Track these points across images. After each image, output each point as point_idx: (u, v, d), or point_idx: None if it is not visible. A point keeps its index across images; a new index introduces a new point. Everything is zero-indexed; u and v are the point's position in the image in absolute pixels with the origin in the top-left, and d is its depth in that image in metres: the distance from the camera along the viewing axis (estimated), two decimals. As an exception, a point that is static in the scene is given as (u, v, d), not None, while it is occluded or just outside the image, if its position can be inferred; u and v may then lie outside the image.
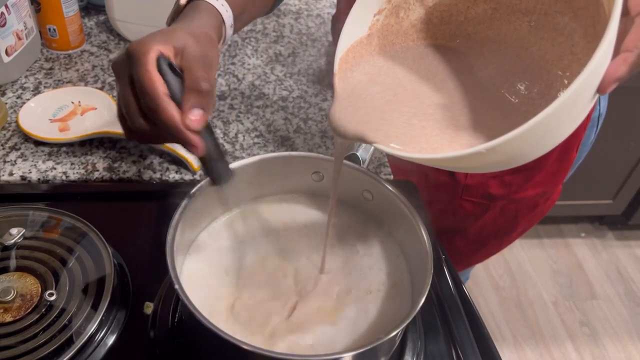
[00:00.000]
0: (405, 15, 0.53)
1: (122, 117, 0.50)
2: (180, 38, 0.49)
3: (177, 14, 0.57)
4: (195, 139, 0.47)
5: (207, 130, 0.49)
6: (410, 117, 0.46)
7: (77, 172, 0.70)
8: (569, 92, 0.35)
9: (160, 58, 0.46)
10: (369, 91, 0.49)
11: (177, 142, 0.48)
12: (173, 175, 0.71)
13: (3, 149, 0.72)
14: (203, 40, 0.50)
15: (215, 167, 0.51)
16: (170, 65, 0.47)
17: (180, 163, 0.72)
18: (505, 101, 0.48)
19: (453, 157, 0.40)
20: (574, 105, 0.37)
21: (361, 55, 0.52)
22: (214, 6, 0.57)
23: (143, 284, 0.57)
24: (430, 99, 0.48)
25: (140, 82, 0.46)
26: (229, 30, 0.60)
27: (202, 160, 0.50)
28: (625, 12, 0.39)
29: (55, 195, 0.68)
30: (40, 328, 0.50)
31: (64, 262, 0.56)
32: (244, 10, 0.63)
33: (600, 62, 0.36)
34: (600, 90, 0.38)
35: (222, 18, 0.58)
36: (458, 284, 0.61)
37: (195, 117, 0.46)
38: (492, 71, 0.50)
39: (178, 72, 0.47)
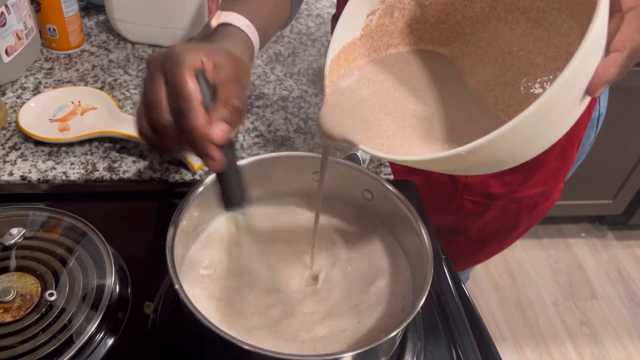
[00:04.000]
0: (401, 15, 0.53)
1: (142, 113, 0.49)
2: (222, 55, 0.49)
3: (208, 35, 0.57)
4: (215, 151, 0.46)
5: (231, 150, 0.48)
6: (394, 122, 0.46)
7: (77, 172, 0.70)
8: (550, 91, 0.34)
9: (200, 71, 0.46)
10: (357, 96, 0.49)
11: (196, 152, 0.47)
12: (173, 175, 0.71)
13: (3, 149, 0.72)
14: (239, 65, 0.50)
15: (229, 190, 0.49)
16: (207, 81, 0.47)
17: (180, 163, 0.72)
18: (487, 109, 0.48)
19: (434, 158, 0.40)
20: (557, 105, 0.36)
21: (354, 59, 0.52)
22: (245, 32, 0.58)
23: (143, 284, 0.57)
24: (413, 106, 0.48)
25: (178, 84, 0.45)
26: (256, 53, 0.61)
27: (219, 179, 0.49)
28: (618, 8, 0.38)
29: (55, 195, 0.68)
30: (40, 328, 0.50)
31: (64, 262, 0.56)
32: (266, 32, 0.64)
33: (584, 62, 0.35)
34: (589, 92, 0.37)
35: (252, 43, 0.59)
36: (458, 284, 0.61)
37: (220, 129, 0.46)
38: (477, 80, 0.50)
39: (211, 86, 0.47)
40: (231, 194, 0.50)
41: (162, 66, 0.47)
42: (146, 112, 0.48)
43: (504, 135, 0.36)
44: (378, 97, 0.49)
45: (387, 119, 0.47)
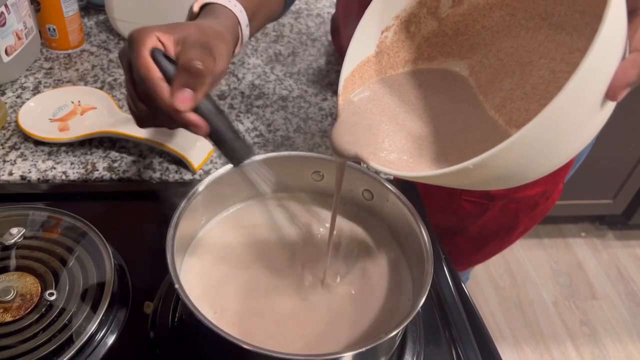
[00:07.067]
0: (417, 29, 0.51)
1: (129, 104, 0.51)
2: (184, 29, 0.49)
3: (192, 19, 0.57)
4: (192, 118, 0.46)
5: (214, 109, 0.48)
6: (402, 140, 0.47)
7: (77, 172, 0.69)
8: (557, 98, 0.32)
9: (154, 49, 0.46)
10: (367, 114, 0.49)
11: (176, 124, 0.48)
12: (173, 175, 0.71)
13: (3, 148, 0.72)
14: (209, 33, 0.50)
15: (229, 146, 0.49)
16: (166, 56, 0.47)
17: (180, 163, 0.72)
18: (496, 127, 0.47)
19: (440, 174, 0.39)
20: (570, 112, 0.34)
21: (369, 76, 0.51)
22: (226, 7, 0.57)
23: (143, 284, 0.57)
24: (420, 125, 0.48)
25: (135, 68, 0.46)
26: (245, 30, 0.60)
27: (213, 140, 0.49)
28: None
29: (55, 195, 0.68)
30: (40, 328, 0.50)
31: (64, 262, 0.56)
32: (257, 12, 0.63)
33: (596, 64, 0.33)
34: (609, 96, 0.35)
35: (237, 19, 0.58)
36: (458, 284, 0.61)
37: (183, 96, 0.46)
38: (492, 97, 0.49)
39: (173, 61, 0.47)
40: (231, 151, 0.50)
41: (126, 55, 0.48)
42: (129, 105, 0.50)
43: (513, 147, 0.34)
44: (387, 116, 0.49)
45: (396, 137, 0.47)
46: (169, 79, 0.46)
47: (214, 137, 0.49)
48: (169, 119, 0.47)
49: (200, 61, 0.46)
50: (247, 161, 0.50)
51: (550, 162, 0.39)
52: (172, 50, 0.48)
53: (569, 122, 0.35)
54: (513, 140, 0.34)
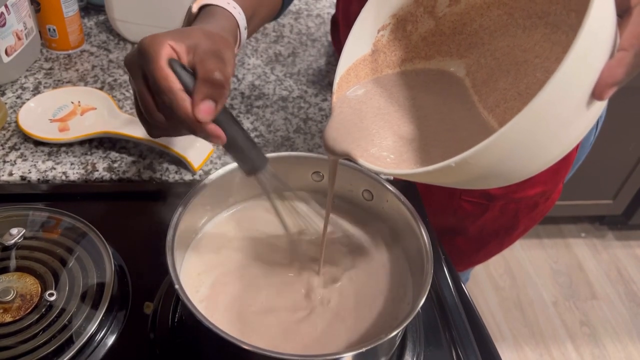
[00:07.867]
0: (414, 28, 0.51)
1: (141, 114, 0.50)
2: (193, 36, 0.48)
3: (190, 21, 0.57)
4: (212, 129, 0.46)
5: (230, 119, 0.48)
6: (391, 139, 0.47)
7: (77, 172, 0.70)
8: (538, 96, 0.31)
9: (172, 60, 0.46)
10: (359, 113, 0.49)
11: (194, 134, 0.48)
12: (173, 175, 0.71)
13: (3, 149, 0.72)
14: (217, 40, 0.50)
15: (245, 156, 0.50)
16: (183, 66, 0.47)
17: (180, 163, 0.72)
18: (491, 130, 0.46)
19: (423, 172, 0.39)
20: (555, 109, 0.34)
21: (365, 75, 0.51)
22: (226, 9, 0.57)
23: (143, 284, 0.57)
24: (410, 124, 0.48)
25: (154, 79, 0.46)
26: (244, 33, 0.60)
27: (229, 150, 0.49)
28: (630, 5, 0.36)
29: (55, 195, 0.68)
30: (40, 328, 0.50)
31: (63, 262, 0.56)
32: (254, 14, 0.63)
33: (579, 62, 0.32)
34: (596, 95, 0.34)
35: (237, 21, 0.58)
36: (458, 284, 0.61)
37: (205, 108, 0.46)
38: (486, 97, 0.49)
39: (190, 71, 0.47)
40: (246, 160, 0.50)
41: (137, 64, 0.47)
42: (140, 114, 0.50)
43: (496, 144, 0.34)
44: (377, 115, 0.49)
45: (384, 135, 0.47)
46: (187, 90, 0.46)
47: (231, 146, 0.49)
48: (187, 129, 0.47)
49: (219, 72, 0.46)
50: (258, 173, 0.51)
51: (538, 160, 0.39)
52: (184, 59, 0.47)
53: (554, 119, 0.35)
54: (495, 137, 0.34)
